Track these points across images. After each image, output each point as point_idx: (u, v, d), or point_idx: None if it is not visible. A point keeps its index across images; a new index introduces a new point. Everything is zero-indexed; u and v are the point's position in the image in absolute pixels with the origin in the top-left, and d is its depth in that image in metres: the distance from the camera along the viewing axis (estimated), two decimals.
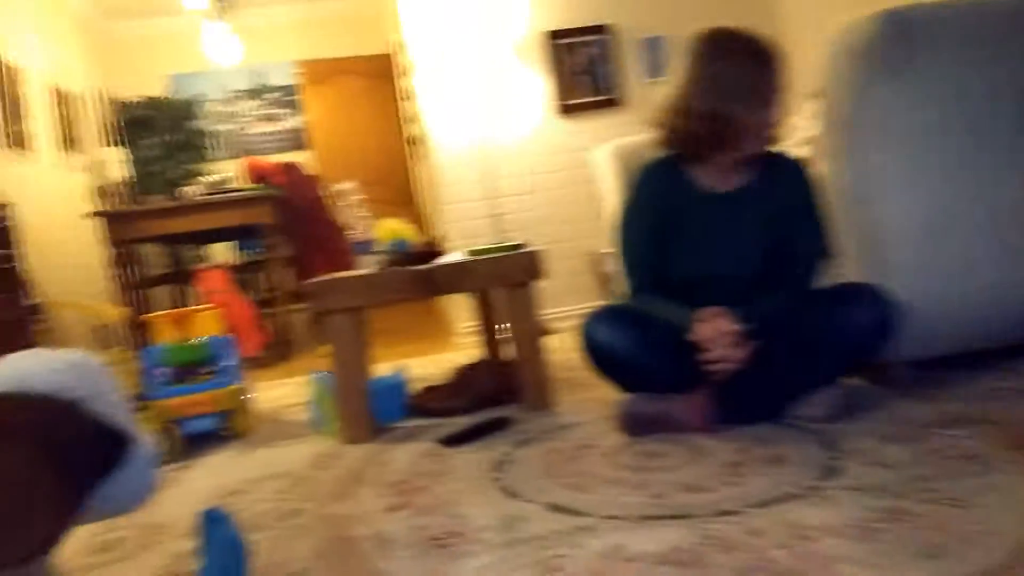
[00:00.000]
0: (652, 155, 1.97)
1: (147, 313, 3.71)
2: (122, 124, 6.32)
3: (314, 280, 2.25)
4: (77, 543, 1.59)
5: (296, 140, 7.26)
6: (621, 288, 2.01)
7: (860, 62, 1.86)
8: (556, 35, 4.22)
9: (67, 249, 4.89)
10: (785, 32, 4.04)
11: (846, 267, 1.94)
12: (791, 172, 1.89)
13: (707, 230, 1.89)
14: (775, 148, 1.89)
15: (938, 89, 1.85)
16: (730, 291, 1.84)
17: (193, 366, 2.46)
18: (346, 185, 2.64)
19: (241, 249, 5.83)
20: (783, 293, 1.84)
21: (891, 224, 1.87)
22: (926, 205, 1.86)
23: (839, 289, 1.84)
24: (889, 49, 1.83)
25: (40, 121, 4.94)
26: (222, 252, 5.73)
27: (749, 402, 1.82)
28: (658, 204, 1.93)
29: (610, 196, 3.26)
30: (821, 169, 1.98)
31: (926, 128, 1.85)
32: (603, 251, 4.02)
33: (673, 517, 1.35)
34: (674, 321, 1.84)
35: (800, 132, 2.78)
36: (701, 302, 1.81)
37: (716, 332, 1.76)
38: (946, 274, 1.87)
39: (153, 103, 6.52)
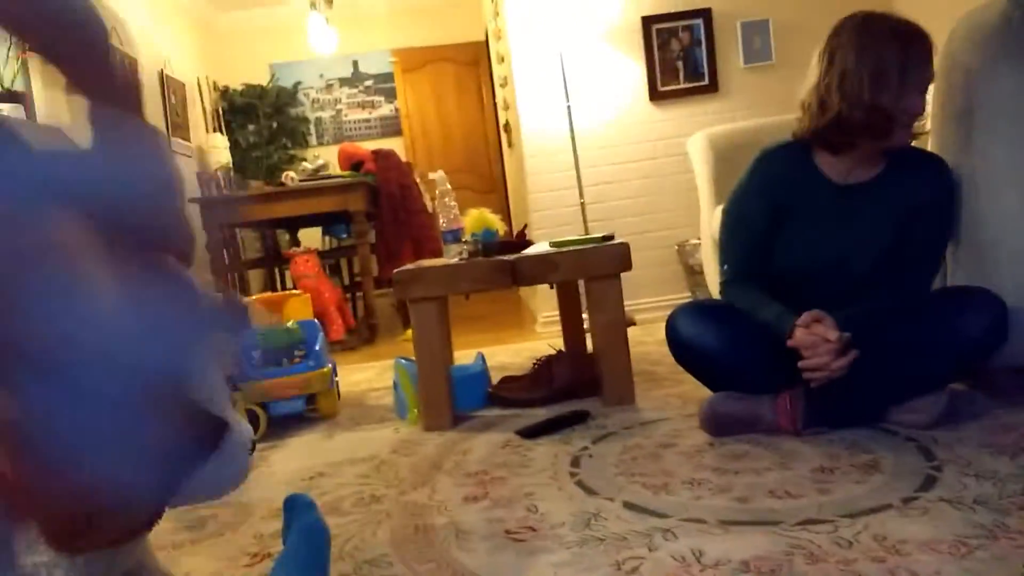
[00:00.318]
0: (774, 141, 1.91)
1: (243, 295, 3.85)
2: (225, 111, 6.57)
3: (400, 268, 2.27)
4: (169, 521, 1.66)
5: (391, 127, 7.38)
6: (716, 276, 1.94)
7: (983, 47, 1.74)
8: (652, 20, 4.13)
9: None
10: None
11: (952, 265, 1.83)
12: (932, 169, 1.78)
13: (826, 222, 1.81)
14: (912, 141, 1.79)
15: None
16: (839, 287, 1.77)
17: (284, 349, 2.54)
18: (437, 174, 2.67)
19: (325, 234, 5.96)
20: (893, 296, 1.75)
21: (1008, 222, 1.73)
22: None
23: (951, 293, 1.74)
24: (1015, 33, 1.70)
25: (148, 107, 5.15)
26: (308, 237, 5.87)
27: (845, 406, 1.74)
28: (775, 191, 1.85)
29: (702, 185, 3.18)
30: None
31: None
32: (693, 242, 3.94)
33: (757, 523, 1.30)
34: (772, 323, 1.77)
35: None
36: (807, 296, 1.74)
37: (816, 339, 1.68)
38: None
39: (255, 91, 6.77)
